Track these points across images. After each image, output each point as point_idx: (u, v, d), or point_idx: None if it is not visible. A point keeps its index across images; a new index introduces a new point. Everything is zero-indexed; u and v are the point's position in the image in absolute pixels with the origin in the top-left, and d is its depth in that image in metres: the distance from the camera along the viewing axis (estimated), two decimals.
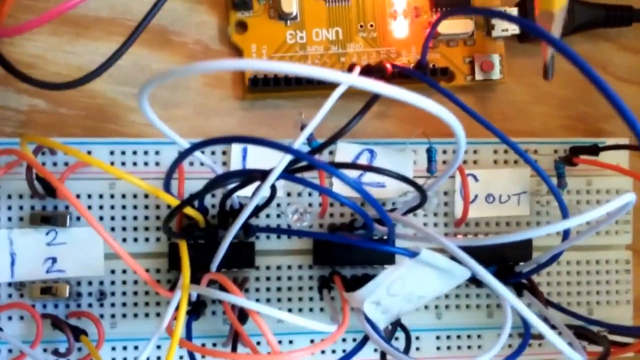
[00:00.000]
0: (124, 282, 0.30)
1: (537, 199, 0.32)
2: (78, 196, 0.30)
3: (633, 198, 0.23)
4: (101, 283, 0.30)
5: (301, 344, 0.31)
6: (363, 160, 0.31)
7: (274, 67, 0.16)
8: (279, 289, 0.31)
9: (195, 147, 0.23)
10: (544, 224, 0.32)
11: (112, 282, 0.30)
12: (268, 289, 0.31)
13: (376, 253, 0.30)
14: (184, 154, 0.23)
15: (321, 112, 0.24)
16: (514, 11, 0.32)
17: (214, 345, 0.31)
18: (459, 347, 0.32)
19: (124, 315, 0.30)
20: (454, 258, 0.25)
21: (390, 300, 0.26)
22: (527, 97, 0.34)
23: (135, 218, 0.30)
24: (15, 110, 0.32)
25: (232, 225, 0.25)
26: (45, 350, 0.30)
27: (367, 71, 0.29)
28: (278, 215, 0.31)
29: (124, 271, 0.30)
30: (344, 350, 0.32)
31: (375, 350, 0.31)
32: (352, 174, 0.31)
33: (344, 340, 0.32)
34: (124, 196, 0.30)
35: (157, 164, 0.30)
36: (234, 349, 0.28)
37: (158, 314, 0.30)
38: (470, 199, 0.31)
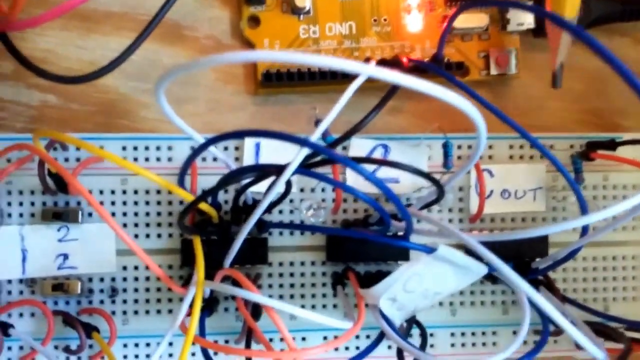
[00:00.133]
0: (136, 279, 0.30)
1: (553, 195, 0.32)
2: (90, 192, 0.29)
3: None
4: (113, 279, 0.30)
5: (314, 341, 0.31)
6: (377, 156, 0.31)
7: (295, 58, 0.16)
8: (291, 286, 0.31)
9: (211, 141, 0.22)
10: (560, 220, 0.32)
11: (124, 279, 0.30)
12: (281, 286, 0.31)
13: (390, 249, 0.30)
14: (199, 149, 0.23)
15: (338, 106, 0.24)
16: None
17: (226, 342, 0.31)
18: (473, 344, 0.32)
19: (136, 312, 0.30)
20: (469, 254, 0.25)
21: (407, 296, 0.26)
22: (542, 91, 0.34)
23: (147, 214, 0.30)
24: (26, 106, 0.31)
25: (246, 221, 0.25)
26: (56, 347, 0.30)
27: (383, 65, 0.29)
28: (291, 211, 0.31)
29: (136, 267, 0.30)
30: (357, 347, 0.31)
31: (389, 347, 0.31)
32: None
33: (357, 337, 0.31)
34: (136, 192, 0.30)
35: (169, 159, 0.30)
36: (247, 346, 0.28)
37: (170, 311, 0.30)
38: (485, 195, 0.31)
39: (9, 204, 0.29)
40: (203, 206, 0.26)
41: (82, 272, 0.29)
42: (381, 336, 0.27)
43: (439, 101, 0.35)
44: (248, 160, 0.30)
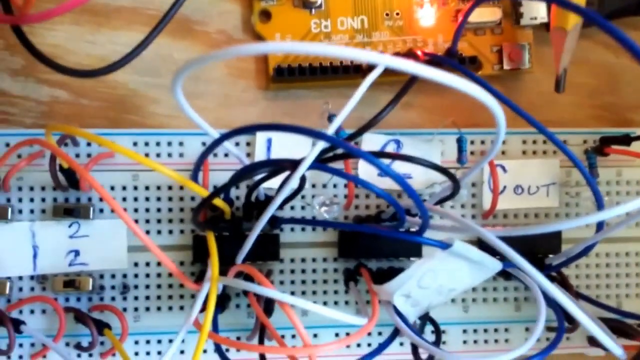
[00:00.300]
0: (147, 275, 0.30)
1: (566, 190, 0.31)
2: None
3: None
4: (124, 276, 0.30)
5: (325, 338, 0.31)
6: (390, 151, 0.30)
7: (315, 49, 0.16)
8: (303, 282, 0.31)
9: (225, 136, 0.22)
10: (573, 216, 0.32)
11: (136, 275, 0.30)
12: (292, 282, 0.31)
13: (403, 245, 0.30)
14: (214, 144, 0.23)
15: (353, 100, 0.24)
16: (542, 5, 0.31)
17: (238, 339, 0.31)
18: (485, 341, 0.32)
19: (147, 309, 0.30)
20: (483, 250, 0.25)
21: (421, 293, 0.26)
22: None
23: (158, 210, 0.30)
24: (36, 101, 0.31)
25: (260, 217, 0.24)
26: (67, 344, 0.30)
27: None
28: (303, 207, 0.30)
29: (147, 264, 0.30)
30: (369, 344, 0.31)
31: (401, 344, 0.31)
32: None
33: (368, 334, 0.31)
34: (147, 188, 0.30)
35: (181, 155, 0.30)
36: (260, 343, 0.28)
37: (182, 308, 0.30)
38: (499, 190, 0.31)
39: (20, 200, 0.29)
40: (217, 202, 0.26)
41: (93, 269, 0.29)
42: (395, 333, 0.27)
43: (450, 96, 0.35)
44: (260, 155, 0.30)
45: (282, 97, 0.32)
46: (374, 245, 0.30)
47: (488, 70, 0.32)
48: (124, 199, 0.30)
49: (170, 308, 0.30)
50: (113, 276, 0.30)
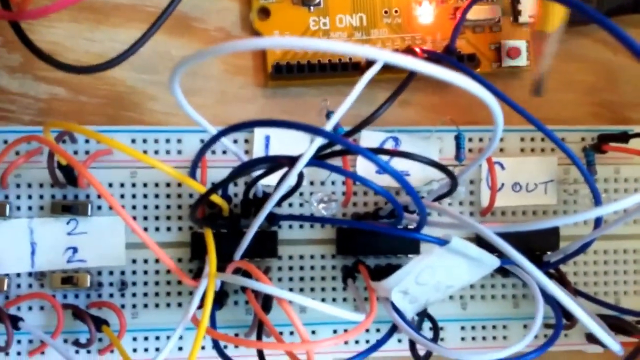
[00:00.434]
0: (145, 272, 0.30)
1: (564, 188, 0.31)
2: None
3: None
4: (122, 273, 0.30)
5: (323, 334, 0.31)
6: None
7: (317, 44, 0.16)
8: (301, 279, 0.31)
9: (223, 132, 0.22)
10: (572, 213, 0.32)
11: (134, 272, 0.30)
12: (291, 279, 0.31)
13: (401, 242, 0.30)
14: (212, 140, 0.23)
15: (351, 96, 0.24)
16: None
17: (236, 335, 0.31)
18: (484, 338, 0.32)
19: (145, 306, 0.30)
20: (481, 247, 0.25)
21: (419, 289, 0.26)
22: (553, 84, 0.33)
23: (156, 207, 0.30)
24: (34, 98, 0.31)
25: (257, 214, 0.24)
26: (65, 340, 0.30)
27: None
28: (301, 204, 0.30)
29: (146, 261, 0.30)
30: (367, 341, 0.31)
31: (399, 341, 0.31)
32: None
33: (366, 330, 0.31)
34: (145, 185, 0.30)
35: (179, 152, 0.30)
36: (259, 339, 0.28)
37: (179, 304, 0.30)
38: (497, 188, 0.31)
39: (18, 196, 0.29)
40: (215, 199, 0.26)
41: (91, 266, 0.29)
42: (393, 329, 0.27)
43: (448, 93, 0.35)
44: (258, 152, 0.30)
45: (280, 95, 0.32)
46: (372, 242, 0.30)
47: (486, 68, 0.32)
48: (122, 196, 0.30)
49: (168, 305, 0.30)
50: (111, 273, 0.30)
